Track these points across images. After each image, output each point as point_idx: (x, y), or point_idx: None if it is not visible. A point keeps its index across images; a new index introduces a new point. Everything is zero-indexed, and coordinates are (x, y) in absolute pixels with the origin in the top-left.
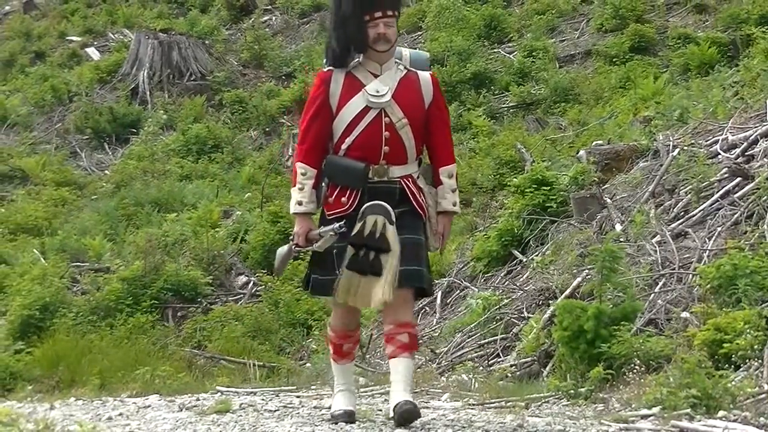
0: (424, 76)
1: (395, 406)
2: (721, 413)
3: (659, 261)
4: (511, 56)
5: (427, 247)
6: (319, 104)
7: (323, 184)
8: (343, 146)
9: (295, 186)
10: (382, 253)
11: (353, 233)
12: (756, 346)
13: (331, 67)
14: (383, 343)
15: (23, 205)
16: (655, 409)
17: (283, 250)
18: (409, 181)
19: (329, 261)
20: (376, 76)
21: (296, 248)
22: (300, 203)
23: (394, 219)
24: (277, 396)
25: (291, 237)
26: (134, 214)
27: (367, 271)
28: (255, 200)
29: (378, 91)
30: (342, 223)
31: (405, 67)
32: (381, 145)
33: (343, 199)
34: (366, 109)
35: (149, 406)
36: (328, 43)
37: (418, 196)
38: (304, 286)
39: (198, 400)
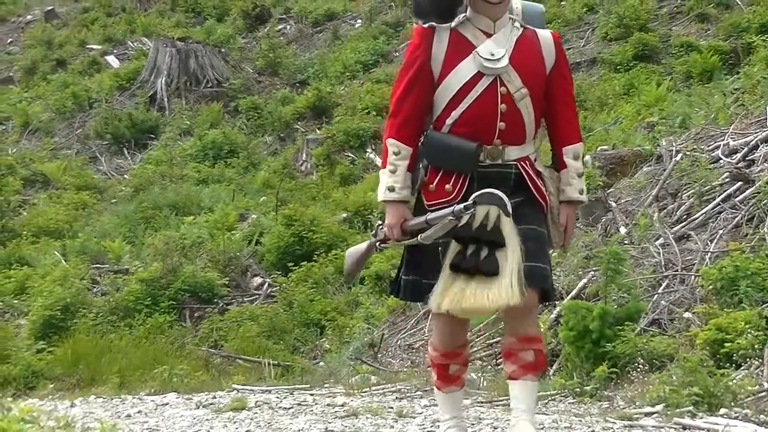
0: (544, 35)
1: None
2: (722, 411)
3: (662, 263)
4: None
5: (549, 243)
6: (418, 68)
7: (420, 166)
8: (448, 121)
9: (384, 168)
10: (497, 248)
11: (459, 225)
12: (756, 346)
13: (432, 23)
14: (502, 359)
15: (45, 209)
16: (659, 407)
17: (358, 249)
18: (526, 164)
19: (429, 260)
20: (488, 35)
21: (381, 245)
22: (392, 189)
23: (510, 210)
24: (292, 394)
25: (374, 232)
26: (152, 217)
27: (479, 271)
28: (270, 204)
29: (493, 54)
30: (470, 203)
31: (521, 25)
32: (496, 120)
33: (447, 186)
34: (478, 76)
35: (167, 404)
36: None
37: (537, 182)
38: (394, 291)
39: (215, 397)
